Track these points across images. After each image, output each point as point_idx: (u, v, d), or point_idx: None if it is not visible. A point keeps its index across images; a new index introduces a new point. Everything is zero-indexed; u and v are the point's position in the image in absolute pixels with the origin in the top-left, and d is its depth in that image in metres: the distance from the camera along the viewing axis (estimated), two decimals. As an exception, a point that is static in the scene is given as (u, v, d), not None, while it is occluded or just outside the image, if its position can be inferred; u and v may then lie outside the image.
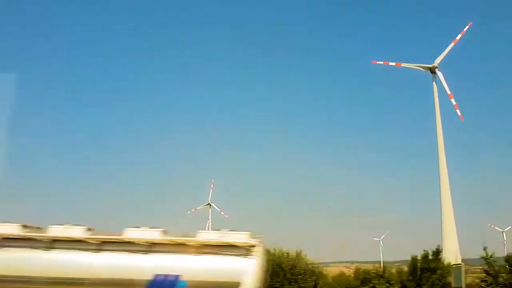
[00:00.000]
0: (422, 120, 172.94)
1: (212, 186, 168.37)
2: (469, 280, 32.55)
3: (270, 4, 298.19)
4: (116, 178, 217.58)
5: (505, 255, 33.63)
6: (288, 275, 38.17)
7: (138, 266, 13.57)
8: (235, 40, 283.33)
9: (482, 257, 32.26)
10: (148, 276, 13.27)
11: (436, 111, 65.59)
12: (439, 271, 35.03)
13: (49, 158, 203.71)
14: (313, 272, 41.17)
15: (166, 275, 13.28)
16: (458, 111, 61.14)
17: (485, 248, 32.08)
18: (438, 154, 63.70)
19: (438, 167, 63.76)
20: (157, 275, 13.28)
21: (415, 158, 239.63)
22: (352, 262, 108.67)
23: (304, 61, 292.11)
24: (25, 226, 14.38)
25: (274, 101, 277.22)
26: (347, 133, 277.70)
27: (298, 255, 40.89)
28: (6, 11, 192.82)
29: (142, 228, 14.17)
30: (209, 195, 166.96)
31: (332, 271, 56.93)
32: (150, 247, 13.85)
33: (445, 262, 36.66)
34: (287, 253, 40.21)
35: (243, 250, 13.67)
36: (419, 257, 37.28)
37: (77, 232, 14.07)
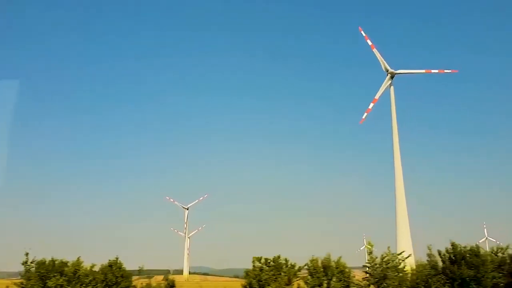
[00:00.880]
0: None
1: (201, 198, 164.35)
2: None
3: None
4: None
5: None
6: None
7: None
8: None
9: (428, 255, 32.53)
10: None
11: (392, 113, 66.36)
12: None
13: None
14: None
15: None
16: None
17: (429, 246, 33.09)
18: (393, 155, 64.24)
19: (394, 169, 64.29)
20: None
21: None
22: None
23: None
24: None
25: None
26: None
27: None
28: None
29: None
30: (193, 203, 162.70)
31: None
32: None
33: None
34: None
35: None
36: None
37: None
